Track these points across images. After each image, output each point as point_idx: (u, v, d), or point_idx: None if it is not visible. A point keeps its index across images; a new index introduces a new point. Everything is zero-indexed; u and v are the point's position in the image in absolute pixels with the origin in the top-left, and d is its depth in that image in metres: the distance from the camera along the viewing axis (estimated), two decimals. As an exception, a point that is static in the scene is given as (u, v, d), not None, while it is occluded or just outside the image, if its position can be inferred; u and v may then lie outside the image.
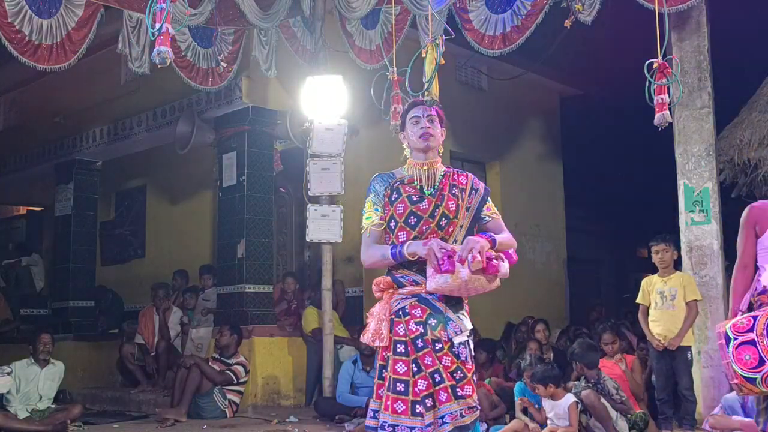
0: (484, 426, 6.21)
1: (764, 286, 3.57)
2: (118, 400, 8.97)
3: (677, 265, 6.19)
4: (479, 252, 2.97)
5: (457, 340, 3.07)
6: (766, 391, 3.35)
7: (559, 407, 5.64)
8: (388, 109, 6.60)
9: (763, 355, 3.28)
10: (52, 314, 10.98)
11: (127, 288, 11.21)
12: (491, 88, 11.33)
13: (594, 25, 6.33)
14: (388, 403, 3.04)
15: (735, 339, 3.36)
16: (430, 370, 3.03)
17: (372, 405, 3.15)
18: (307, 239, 7.83)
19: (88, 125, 10.54)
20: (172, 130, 9.08)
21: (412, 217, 3.15)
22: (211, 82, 7.68)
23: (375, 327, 3.12)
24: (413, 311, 3.09)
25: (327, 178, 7.56)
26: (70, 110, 10.77)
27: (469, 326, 3.16)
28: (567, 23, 6.41)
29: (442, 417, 2.99)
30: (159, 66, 4.86)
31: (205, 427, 7.04)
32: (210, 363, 7.75)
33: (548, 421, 5.72)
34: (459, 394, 3.02)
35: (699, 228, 6.31)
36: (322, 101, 7.48)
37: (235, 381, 7.67)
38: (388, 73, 6.60)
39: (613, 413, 5.67)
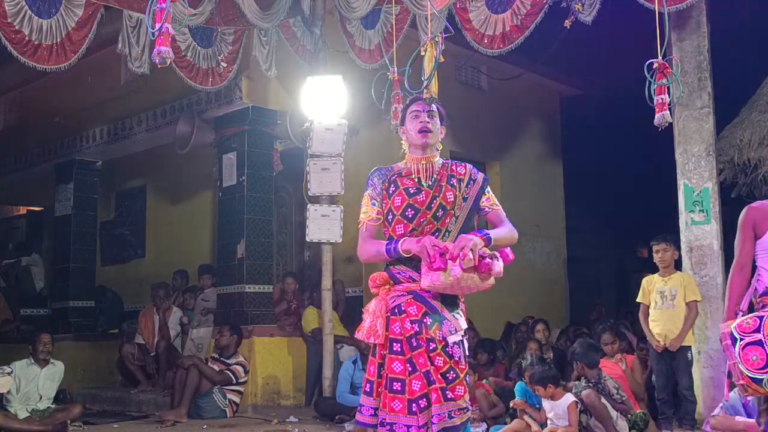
0: (484, 426, 6.22)
1: (765, 288, 3.57)
2: (118, 400, 8.98)
3: (677, 265, 6.19)
4: (471, 250, 2.96)
5: (451, 339, 3.06)
6: None
7: (559, 407, 5.64)
8: (388, 109, 6.60)
9: None
10: (52, 314, 10.98)
11: (127, 288, 11.22)
12: (491, 88, 11.33)
13: (594, 25, 6.33)
14: (386, 401, 3.04)
15: (741, 339, 3.35)
16: (424, 370, 3.02)
17: (367, 401, 3.12)
18: (307, 239, 7.83)
19: (88, 125, 10.54)
20: (172, 130, 9.07)
21: (409, 210, 3.14)
22: (211, 82, 7.68)
23: (370, 324, 3.11)
24: (409, 309, 3.08)
25: (327, 178, 7.56)
26: (70, 110, 10.77)
27: (464, 326, 3.14)
28: (567, 23, 6.40)
29: (431, 418, 2.99)
30: (159, 66, 4.86)
31: (205, 427, 7.04)
32: (210, 363, 7.75)
33: (548, 422, 5.72)
34: (449, 396, 3.01)
35: (699, 228, 6.31)
36: (322, 101, 7.48)
37: (235, 381, 7.67)
38: (388, 73, 6.60)
39: (614, 413, 5.67)
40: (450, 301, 3.12)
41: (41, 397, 7.04)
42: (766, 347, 3.29)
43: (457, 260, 2.94)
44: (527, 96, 11.60)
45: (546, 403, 5.72)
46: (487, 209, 3.27)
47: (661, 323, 5.90)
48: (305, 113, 7.67)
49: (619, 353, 6.46)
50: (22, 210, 14.03)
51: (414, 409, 2.99)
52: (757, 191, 6.43)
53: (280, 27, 7.89)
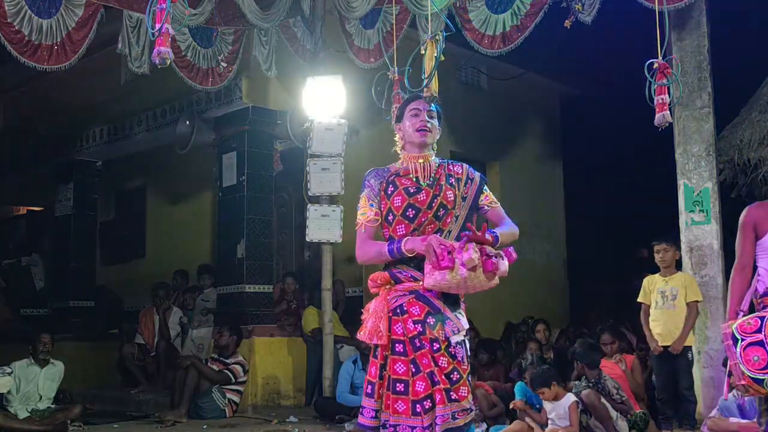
0: (484, 426, 6.22)
1: (766, 288, 3.57)
2: (118, 400, 8.98)
3: (678, 265, 6.19)
4: (475, 243, 2.94)
5: (454, 339, 3.03)
6: None
7: (560, 407, 5.64)
8: (388, 109, 6.59)
9: None
10: (52, 314, 10.97)
11: (127, 288, 11.21)
12: (491, 88, 11.33)
13: (594, 24, 6.33)
14: (389, 402, 3.01)
15: (742, 340, 3.35)
16: (427, 370, 2.99)
17: (368, 403, 3.09)
18: (307, 239, 7.83)
19: (88, 125, 10.54)
20: (172, 130, 9.07)
21: (410, 210, 3.10)
22: (211, 82, 7.67)
23: (373, 324, 3.07)
24: (411, 309, 3.04)
25: (327, 178, 7.57)
26: (70, 110, 10.76)
27: (466, 325, 3.12)
28: (567, 23, 6.41)
29: (435, 419, 2.96)
30: (159, 66, 4.86)
31: (205, 427, 7.05)
32: (209, 363, 7.76)
33: (549, 422, 5.72)
34: (452, 397, 2.98)
35: (699, 228, 6.31)
36: (322, 101, 7.48)
37: (234, 380, 7.67)
38: (388, 73, 6.60)
39: (614, 413, 5.67)
40: (452, 300, 3.09)
41: (41, 397, 7.04)
42: (767, 347, 3.29)
43: (463, 259, 2.91)
44: (527, 96, 11.60)
45: (547, 404, 5.72)
46: (486, 207, 3.25)
47: (661, 323, 5.90)
48: (305, 113, 7.68)
49: (619, 353, 6.46)
50: (22, 210, 14.03)
51: (418, 410, 2.96)
52: (757, 191, 6.43)
53: (280, 27, 7.88)
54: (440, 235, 3.07)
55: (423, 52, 5.96)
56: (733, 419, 5.04)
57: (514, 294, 9.87)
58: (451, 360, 3.02)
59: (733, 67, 7.64)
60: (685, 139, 6.45)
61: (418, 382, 2.99)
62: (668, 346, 5.84)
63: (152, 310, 9.27)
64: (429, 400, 2.97)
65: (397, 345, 3.05)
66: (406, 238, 3.05)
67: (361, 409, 3.14)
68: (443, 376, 2.99)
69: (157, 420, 7.39)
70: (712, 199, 6.29)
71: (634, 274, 8.82)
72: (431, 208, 3.11)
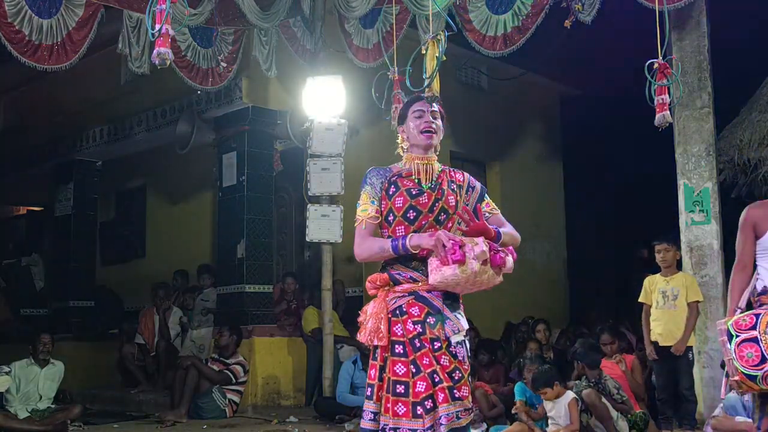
0: (484, 426, 6.22)
1: (764, 287, 3.58)
2: (118, 400, 8.98)
3: (679, 265, 6.19)
4: (483, 237, 2.94)
5: (454, 339, 3.02)
6: (765, 388, 3.36)
7: (560, 406, 5.64)
8: (388, 109, 6.60)
9: (765, 353, 3.29)
10: (52, 314, 10.97)
11: (127, 288, 11.21)
12: (491, 88, 11.33)
13: (594, 25, 6.33)
14: (389, 405, 2.98)
15: (737, 336, 3.37)
16: (428, 370, 2.96)
17: (368, 406, 3.06)
18: (307, 239, 7.83)
19: (88, 125, 10.54)
20: (172, 130, 9.07)
21: (411, 211, 3.08)
22: (211, 82, 7.67)
23: (373, 325, 3.03)
24: (411, 310, 3.03)
25: (327, 178, 7.57)
26: (70, 110, 10.76)
27: (466, 325, 3.11)
28: (567, 23, 6.41)
29: (439, 419, 2.93)
30: (159, 67, 4.86)
31: (205, 427, 7.05)
32: (209, 363, 7.76)
33: (549, 421, 5.72)
34: (456, 395, 2.96)
35: (699, 228, 6.31)
36: (322, 101, 7.48)
37: (234, 381, 7.67)
38: (388, 73, 6.60)
39: (614, 413, 5.67)
40: (452, 300, 3.08)
41: (41, 397, 7.04)
42: (761, 344, 3.31)
43: (474, 253, 2.89)
44: (527, 96, 11.60)
45: (547, 403, 5.72)
46: (487, 214, 3.23)
47: (662, 323, 5.90)
48: (305, 113, 7.68)
49: (619, 353, 6.46)
50: (22, 210, 14.03)
51: (419, 412, 2.93)
52: (757, 191, 6.43)
53: (280, 27, 7.88)
54: None
55: (424, 52, 5.96)
56: (738, 418, 5.03)
57: (514, 294, 9.87)
58: (452, 359, 3.00)
59: (733, 67, 7.64)
60: (685, 139, 6.45)
61: (418, 383, 2.96)
62: (668, 347, 5.85)
63: (152, 310, 9.27)
64: (430, 400, 2.94)
65: (396, 346, 3.03)
66: (411, 234, 3.02)
67: (363, 413, 3.11)
68: (445, 374, 2.97)
69: (157, 420, 7.39)
70: (712, 199, 6.29)
71: (634, 274, 8.82)
72: (432, 212, 3.10)
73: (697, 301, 5.86)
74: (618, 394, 5.82)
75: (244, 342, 8.00)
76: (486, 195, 3.29)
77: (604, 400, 5.67)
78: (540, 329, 7.90)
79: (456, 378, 3.00)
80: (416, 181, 3.16)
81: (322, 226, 7.60)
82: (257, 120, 8.65)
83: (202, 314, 9.03)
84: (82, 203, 10.90)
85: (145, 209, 11.61)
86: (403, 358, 3.01)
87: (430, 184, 3.15)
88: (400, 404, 2.96)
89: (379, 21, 7.49)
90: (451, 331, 3.03)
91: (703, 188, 6.32)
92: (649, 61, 5.28)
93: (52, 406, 7.09)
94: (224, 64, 7.71)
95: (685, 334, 5.77)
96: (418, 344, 3.00)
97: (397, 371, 3.00)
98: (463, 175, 3.27)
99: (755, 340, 3.33)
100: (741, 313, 3.59)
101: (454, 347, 3.03)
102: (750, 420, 4.89)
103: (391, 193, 3.13)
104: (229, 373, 7.66)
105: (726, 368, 3.51)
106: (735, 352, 3.35)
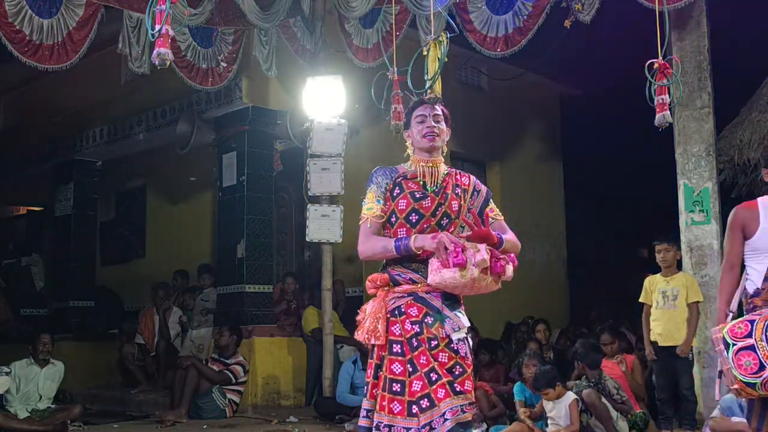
0: (484, 426, 6.21)
1: (756, 289, 3.60)
2: (118, 400, 8.98)
3: (679, 265, 6.19)
4: (485, 244, 2.95)
5: (455, 336, 3.04)
6: (765, 395, 3.36)
7: (560, 406, 5.64)
8: (388, 109, 6.60)
9: (762, 360, 3.30)
10: (52, 314, 10.97)
11: (127, 288, 11.21)
12: (491, 88, 11.33)
13: (594, 25, 6.32)
14: (384, 403, 3.01)
15: (734, 345, 3.38)
16: (425, 369, 2.98)
17: (365, 404, 3.10)
18: (307, 239, 7.83)
19: (88, 125, 10.54)
20: (172, 130, 9.07)
21: (413, 214, 3.11)
22: (211, 82, 7.68)
23: (370, 325, 3.07)
24: (409, 311, 3.06)
25: (327, 178, 7.57)
26: (70, 110, 10.76)
27: (467, 323, 3.12)
28: (567, 23, 6.41)
29: (443, 414, 2.93)
30: (159, 67, 4.86)
31: (205, 427, 7.04)
32: (209, 363, 7.76)
33: (549, 421, 5.72)
34: (458, 389, 2.98)
35: (699, 228, 6.31)
36: (322, 101, 7.48)
37: (234, 381, 7.67)
38: (388, 73, 6.60)
39: (614, 413, 5.67)
40: (451, 300, 3.10)
41: (41, 397, 7.03)
42: (758, 352, 3.32)
43: (475, 259, 2.91)
44: (527, 96, 11.60)
45: (547, 404, 5.72)
46: (491, 219, 3.26)
47: (662, 323, 5.90)
48: (305, 113, 7.68)
49: (619, 353, 6.46)
50: (22, 210, 14.03)
51: (414, 411, 2.96)
52: (757, 191, 6.42)
53: (280, 27, 7.88)
54: None
55: (426, 53, 5.96)
56: (735, 418, 5.04)
57: (514, 294, 9.84)
58: (453, 355, 3.02)
59: (733, 67, 7.64)
60: (685, 139, 6.45)
61: (414, 382, 2.98)
62: (668, 347, 5.85)
63: (152, 310, 9.27)
64: (426, 400, 2.96)
65: (394, 345, 3.06)
66: (415, 235, 3.05)
67: (361, 410, 3.15)
68: (444, 371, 2.99)
69: (157, 420, 7.39)
70: (712, 199, 6.29)
71: (634, 274, 8.82)
72: (435, 216, 3.12)
73: (698, 302, 5.86)
74: (618, 394, 5.82)
75: (244, 342, 8.00)
76: (491, 200, 3.31)
77: (604, 400, 5.67)
78: (540, 329, 7.90)
79: (457, 373, 3.01)
80: (421, 183, 3.18)
81: (322, 226, 7.60)
82: (257, 120, 8.65)
83: (202, 314, 9.03)
84: (82, 203, 10.90)
85: (145, 209, 11.61)
86: (400, 357, 3.04)
87: (434, 188, 3.17)
88: (395, 402, 2.99)
89: (379, 21, 7.49)
90: (450, 329, 3.04)
91: (703, 188, 6.32)
92: (649, 61, 5.28)
93: (52, 406, 7.09)
94: (224, 64, 7.71)
95: (688, 335, 5.78)
96: (415, 343, 3.03)
97: (394, 370, 3.03)
98: (469, 178, 3.29)
99: (752, 348, 3.34)
100: (732, 316, 3.61)
101: (456, 344, 3.04)
102: (746, 420, 4.90)
103: (395, 194, 3.16)
104: (229, 373, 7.66)
105: (720, 369, 3.52)
106: (733, 360, 3.36)
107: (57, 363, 7.23)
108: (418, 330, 3.03)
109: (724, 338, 3.43)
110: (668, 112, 5.33)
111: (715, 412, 5.30)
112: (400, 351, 3.04)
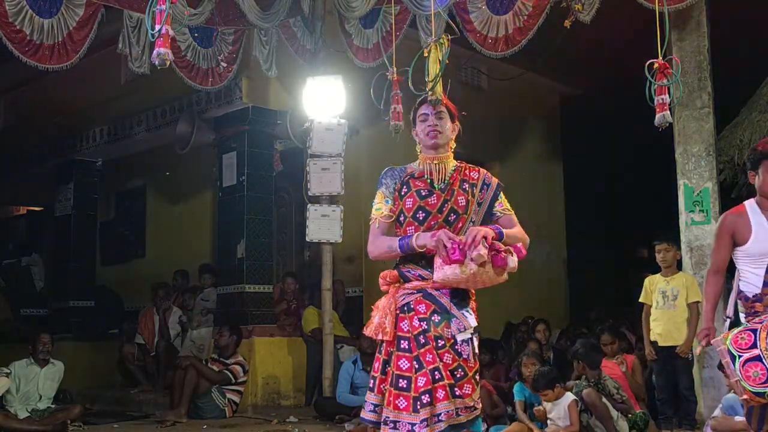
0: (484, 426, 6.21)
1: (755, 294, 3.61)
2: (118, 400, 8.98)
3: (679, 265, 6.19)
4: (483, 239, 2.96)
5: (459, 337, 3.07)
6: None
7: (560, 407, 5.64)
8: (388, 109, 6.60)
9: None
10: (52, 314, 10.97)
11: (127, 288, 11.21)
12: (491, 88, 11.31)
13: (594, 25, 6.32)
14: (390, 398, 3.04)
15: (740, 356, 3.40)
16: (430, 367, 3.01)
17: (371, 398, 3.13)
18: (307, 239, 7.83)
19: (88, 125, 10.54)
20: (172, 130, 9.07)
21: (420, 212, 3.15)
22: (211, 82, 7.67)
23: (379, 321, 3.12)
24: (418, 307, 3.09)
25: (327, 178, 7.57)
26: (70, 110, 10.76)
27: (474, 323, 3.14)
28: (567, 23, 6.41)
29: (438, 415, 2.98)
30: (159, 67, 4.86)
31: (204, 427, 7.05)
32: (209, 363, 7.76)
33: (548, 422, 5.72)
34: (457, 393, 3.02)
35: (699, 228, 6.31)
36: (322, 101, 7.48)
37: (234, 381, 7.67)
38: (388, 73, 6.60)
39: (614, 413, 5.67)
40: (460, 298, 3.12)
41: (41, 397, 7.04)
42: (764, 362, 3.35)
43: (472, 253, 2.92)
44: (527, 96, 11.59)
45: (547, 404, 5.72)
46: (499, 214, 3.29)
47: (662, 323, 5.90)
48: (305, 113, 7.68)
49: (619, 353, 6.46)
50: (22, 210, 14.04)
51: (418, 407, 2.98)
52: (756, 191, 6.42)
53: (280, 27, 7.88)
54: None
55: (426, 55, 5.95)
56: (738, 418, 5.04)
57: (514, 294, 9.86)
58: (456, 357, 3.05)
59: (733, 67, 7.64)
60: (685, 139, 6.45)
61: (419, 378, 3.01)
62: (668, 347, 5.85)
63: (152, 310, 9.27)
64: (427, 395, 2.99)
65: (402, 342, 3.09)
66: (416, 234, 3.09)
67: (364, 405, 3.18)
68: (447, 372, 3.02)
69: (157, 420, 7.39)
70: (712, 199, 6.29)
71: (634, 274, 8.83)
72: (441, 213, 3.15)
73: (698, 302, 5.86)
74: (618, 394, 5.82)
75: (244, 342, 8.00)
76: (501, 194, 3.32)
77: (604, 399, 5.67)
78: (540, 329, 7.90)
79: (458, 376, 3.04)
80: (428, 181, 3.22)
81: (322, 226, 7.60)
82: (257, 120, 8.65)
83: (201, 314, 9.03)
84: (82, 203, 10.89)
85: (145, 209, 11.61)
86: (407, 354, 3.07)
87: (441, 185, 3.20)
88: (401, 398, 3.02)
89: (379, 21, 7.49)
90: (456, 329, 3.07)
91: (703, 188, 6.32)
92: (649, 61, 5.28)
93: (52, 406, 7.10)
94: (224, 64, 7.71)
95: (689, 335, 5.78)
96: (422, 341, 3.06)
97: (401, 366, 3.06)
98: (479, 172, 3.31)
99: (758, 358, 3.37)
100: (729, 322, 3.63)
101: (460, 345, 3.07)
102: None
103: (403, 193, 3.21)
104: (229, 373, 7.66)
105: (718, 364, 3.54)
106: (741, 372, 3.38)
107: (57, 363, 7.24)
108: (426, 327, 3.06)
109: (729, 350, 3.44)
110: (668, 112, 5.33)
111: (717, 412, 5.31)
112: (407, 347, 3.07)
